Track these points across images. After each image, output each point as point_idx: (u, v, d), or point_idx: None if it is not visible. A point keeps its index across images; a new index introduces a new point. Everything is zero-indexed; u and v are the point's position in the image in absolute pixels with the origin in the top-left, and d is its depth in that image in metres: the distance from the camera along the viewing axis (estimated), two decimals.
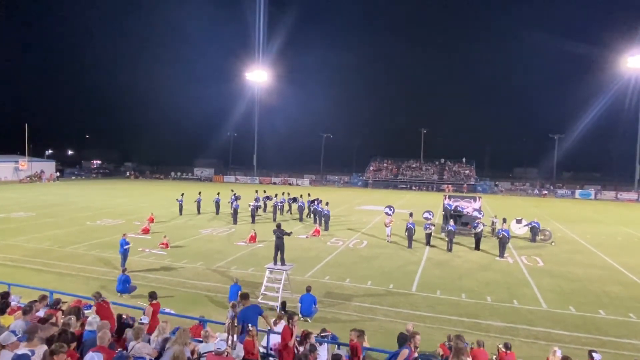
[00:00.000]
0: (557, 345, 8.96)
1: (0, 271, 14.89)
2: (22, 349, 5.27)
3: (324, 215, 25.52)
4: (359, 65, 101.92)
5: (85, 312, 8.60)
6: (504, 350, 8.31)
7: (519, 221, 24.18)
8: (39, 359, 5.20)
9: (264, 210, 31.50)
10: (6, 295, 8.48)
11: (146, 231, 22.50)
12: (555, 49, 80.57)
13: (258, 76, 70.35)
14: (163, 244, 19.45)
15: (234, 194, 28.92)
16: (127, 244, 15.74)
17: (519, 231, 23.79)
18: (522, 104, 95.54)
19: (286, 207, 31.59)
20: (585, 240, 23.75)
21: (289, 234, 13.80)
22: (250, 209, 27.31)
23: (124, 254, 15.62)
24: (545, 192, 59.48)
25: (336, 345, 8.45)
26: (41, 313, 7.75)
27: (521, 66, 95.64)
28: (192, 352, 6.65)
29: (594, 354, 7.44)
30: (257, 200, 29.40)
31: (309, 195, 31.06)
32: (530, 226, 23.34)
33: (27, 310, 7.17)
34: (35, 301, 8.26)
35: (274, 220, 26.96)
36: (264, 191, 33.64)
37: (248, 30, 72.94)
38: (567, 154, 69.33)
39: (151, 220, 24.11)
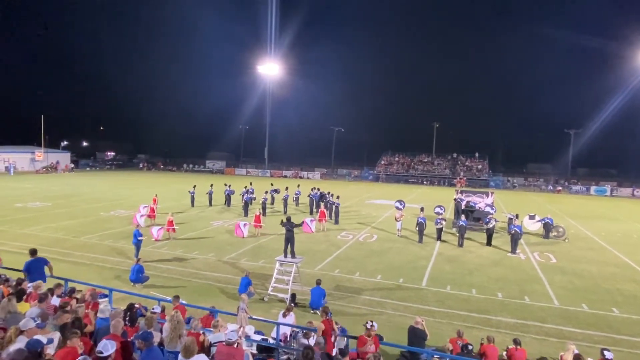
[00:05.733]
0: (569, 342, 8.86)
1: (16, 259, 15.18)
2: (36, 336, 5.39)
3: (335, 208, 25.51)
4: (371, 59, 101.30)
5: (99, 300, 8.76)
6: (514, 346, 8.27)
7: (532, 217, 23.91)
8: (51, 345, 5.31)
9: (272, 202, 31.58)
10: (21, 282, 8.67)
11: (152, 214, 22.69)
12: (571, 43, 78.91)
13: (270, 69, 70.25)
14: (169, 224, 19.52)
15: (246, 188, 29.18)
16: (141, 235, 16.00)
17: (531, 227, 23.54)
18: (537, 99, 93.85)
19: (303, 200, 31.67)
20: (600, 238, 23.38)
21: (299, 226, 13.86)
22: (261, 202, 27.47)
23: (137, 244, 15.86)
24: (560, 188, 58.59)
25: (345, 338, 8.48)
26: (56, 301, 7.91)
27: (536, 60, 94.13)
28: (203, 342, 6.74)
29: (605, 352, 7.37)
30: (250, 192, 29.35)
31: (318, 189, 31.09)
32: (543, 222, 23.05)
33: (43, 297, 7.34)
34: (51, 289, 8.45)
35: (285, 212, 27.11)
36: (271, 184, 33.75)
37: (260, 23, 72.77)
38: (583, 149, 67.98)
39: (154, 202, 24.47)
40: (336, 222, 24.95)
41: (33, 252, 10.04)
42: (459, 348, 8.30)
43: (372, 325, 7.73)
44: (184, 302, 10.77)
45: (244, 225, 20.55)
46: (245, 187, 29.71)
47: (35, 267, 9.75)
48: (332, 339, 7.73)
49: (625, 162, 71.44)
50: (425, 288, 13.86)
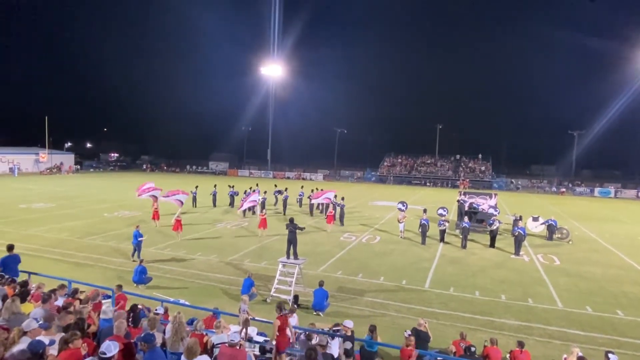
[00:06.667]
0: (573, 345, 8.81)
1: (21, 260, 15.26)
2: (40, 337, 5.40)
3: (340, 209, 25.44)
4: (374, 60, 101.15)
5: (103, 301, 8.78)
6: (518, 349, 8.22)
7: (535, 219, 23.80)
8: (54, 346, 5.33)
9: (275, 203, 31.59)
10: (26, 284, 8.70)
11: (156, 215, 22.75)
12: (575, 44, 78.49)
13: (273, 71, 70.33)
14: (177, 223, 19.68)
15: (251, 189, 29.21)
16: (141, 235, 16.02)
17: (535, 229, 23.43)
18: (541, 100, 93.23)
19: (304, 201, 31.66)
20: (604, 240, 23.26)
21: (302, 229, 13.84)
22: (260, 201, 27.51)
23: (138, 245, 15.90)
24: (563, 189, 58.36)
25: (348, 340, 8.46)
26: (60, 302, 7.93)
27: (540, 61, 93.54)
28: (206, 343, 6.74)
29: (610, 355, 7.31)
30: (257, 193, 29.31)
31: (320, 189, 31.07)
32: (547, 224, 22.96)
33: (46, 298, 7.35)
34: (55, 290, 8.46)
35: (284, 214, 27.20)
36: (275, 185, 33.81)
37: (263, 24, 72.95)
38: (587, 151, 67.63)
39: (156, 217, 24.62)
40: (341, 223, 24.93)
41: (10, 247, 10.62)
42: (462, 350, 8.26)
43: (410, 335, 7.69)
44: (187, 303, 10.80)
45: (251, 201, 20.61)
46: (251, 188, 29.76)
47: (11, 262, 10.33)
48: (288, 333, 7.71)
49: (630, 164, 71.16)
50: (428, 290, 13.82)
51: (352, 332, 8.05)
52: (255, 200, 22.72)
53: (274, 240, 20.18)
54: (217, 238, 20.50)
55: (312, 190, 30.49)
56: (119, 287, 9.60)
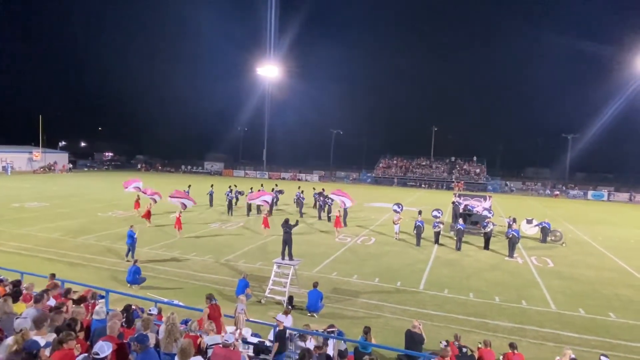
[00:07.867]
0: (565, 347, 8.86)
1: (13, 260, 15.15)
2: (33, 337, 5.35)
3: (343, 210, 25.35)
4: (370, 61, 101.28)
5: (98, 302, 8.72)
6: (511, 351, 8.26)
7: (529, 221, 23.92)
8: (48, 347, 5.28)
9: (275, 203, 31.49)
10: (18, 283, 8.62)
11: (147, 214, 22.66)
12: (570, 48, 78.96)
13: (269, 71, 70.28)
14: (178, 221, 20.09)
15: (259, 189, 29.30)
16: (134, 235, 15.94)
17: (529, 231, 23.55)
18: (536, 103, 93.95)
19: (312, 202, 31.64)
20: (597, 242, 23.43)
21: (295, 225, 13.83)
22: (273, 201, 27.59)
23: (132, 245, 15.82)
24: (557, 192, 58.70)
25: (342, 341, 8.46)
26: (52, 302, 7.86)
27: (535, 64, 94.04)
28: (199, 345, 6.71)
29: (603, 358, 7.37)
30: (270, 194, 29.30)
31: (322, 190, 31.04)
32: (540, 226, 23.09)
33: (38, 298, 7.28)
34: (47, 290, 8.39)
35: (270, 214, 27.25)
36: (276, 185, 33.76)
37: (260, 25, 72.85)
38: (581, 154, 68.07)
39: (137, 207, 25.05)
40: (344, 224, 24.87)
41: None
42: (457, 351, 8.29)
43: (446, 345, 7.43)
44: (181, 304, 10.75)
45: (263, 200, 21.29)
46: (252, 188, 29.80)
47: None
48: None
49: (623, 167, 71.68)
50: (423, 291, 13.84)
51: (284, 327, 8.01)
52: (267, 201, 22.52)
53: (269, 241, 20.15)
54: (212, 238, 20.43)
55: (307, 191, 30.41)
56: (52, 275, 9.58)
